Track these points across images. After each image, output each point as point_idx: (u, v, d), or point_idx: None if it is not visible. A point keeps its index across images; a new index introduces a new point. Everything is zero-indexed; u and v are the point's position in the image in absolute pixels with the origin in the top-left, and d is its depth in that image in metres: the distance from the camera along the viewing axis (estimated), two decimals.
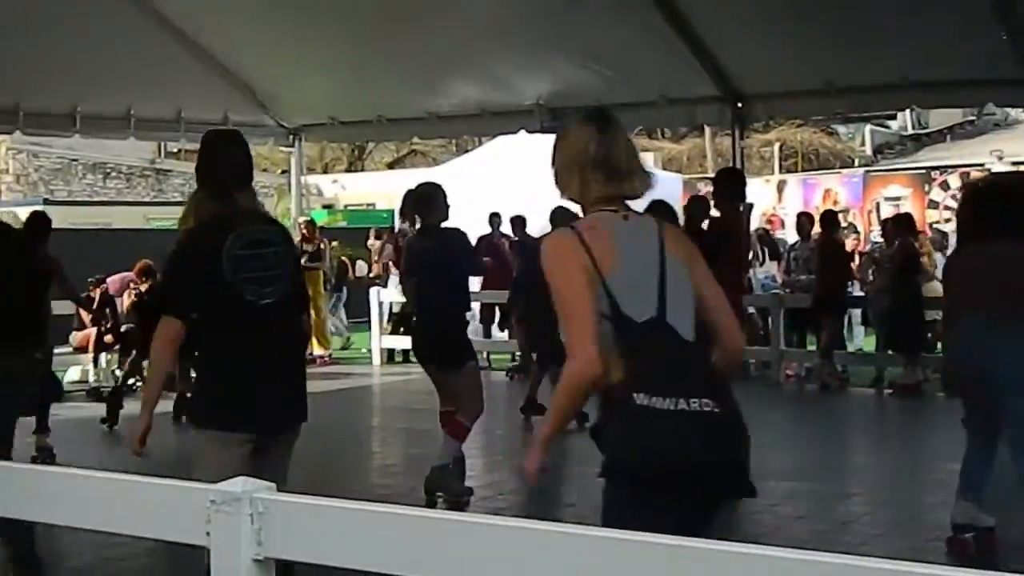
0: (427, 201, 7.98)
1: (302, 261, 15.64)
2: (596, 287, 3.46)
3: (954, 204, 22.96)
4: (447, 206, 8.04)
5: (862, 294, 14.93)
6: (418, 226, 8.13)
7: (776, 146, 33.39)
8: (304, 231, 17.16)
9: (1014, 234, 6.15)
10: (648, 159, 28.74)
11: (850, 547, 6.32)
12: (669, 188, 21.22)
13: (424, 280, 7.99)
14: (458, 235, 8.12)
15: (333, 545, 2.53)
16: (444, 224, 8.03)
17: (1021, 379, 6.03)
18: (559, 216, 8.79)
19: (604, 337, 3.42)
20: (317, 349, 16.74)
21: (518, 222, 16.11)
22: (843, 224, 18.01)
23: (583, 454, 8.31)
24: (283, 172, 25.22)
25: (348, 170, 37.99)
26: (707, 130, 32.39)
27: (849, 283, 14.54)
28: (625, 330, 3.44)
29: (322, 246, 17.68)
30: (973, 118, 34.70)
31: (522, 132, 15.71)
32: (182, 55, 14.12)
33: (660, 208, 8.79)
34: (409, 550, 2.42)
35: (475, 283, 14.95)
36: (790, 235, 17.59)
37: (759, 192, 23.30)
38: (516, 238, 16.15)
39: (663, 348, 3.46)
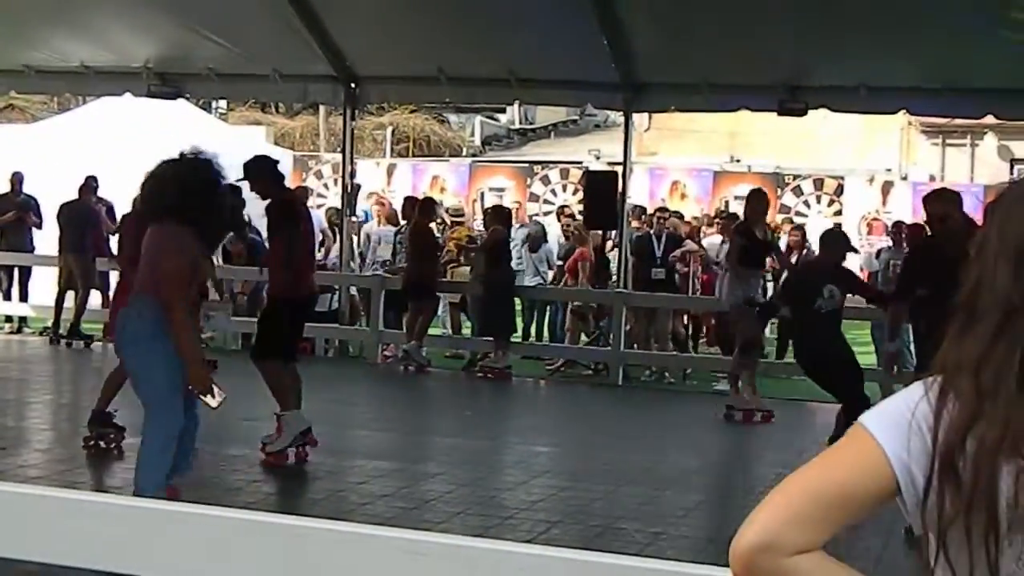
0: None
1: None
2: None
3: (553, 198, 24.09)
4: None
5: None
6: None
7: (389, 130, 33.73)
8: None
9: (164, 217, 6.21)
10: (260, 133, 28.39)
11: (430, 524, 6.49)
12: (280, 164, 21.07)
13: None
14: None
15: None
16: None
17: (146, 363, 6.12)
18: None
19: None
20: None
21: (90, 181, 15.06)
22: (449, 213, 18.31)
23: None
24: None
25: None
26: (321, 109, 32.35)
27: (439, 268, 14.83)
28: None
29: None
30: (576, 118, 36.33)
31: (127, 95, 15.11)
32: None
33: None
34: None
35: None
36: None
37: (370, 174, 23.50)
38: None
39: None
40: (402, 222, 15.84)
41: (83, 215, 14.49)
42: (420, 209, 14.35)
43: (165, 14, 13.16)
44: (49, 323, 15.62)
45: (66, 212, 14.50)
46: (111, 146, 16.49)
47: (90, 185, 14.64)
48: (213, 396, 6.02)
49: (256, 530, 2.17)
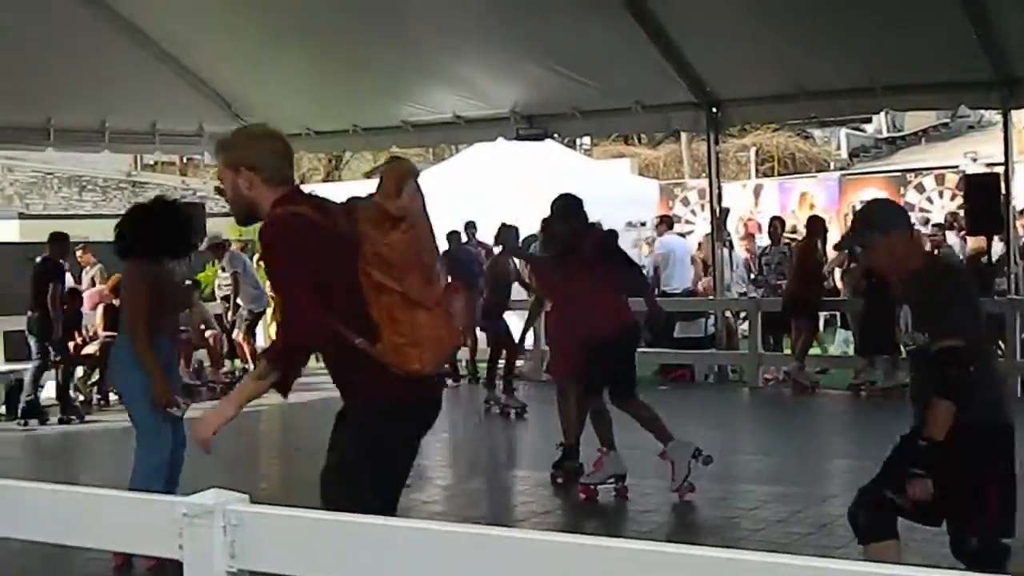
0: None
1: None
2: None
3: (929, 206, 23.12)
4: None
5: (843, 298, 14.96)
6: None
7: (752, 151, 33.44)
8: None
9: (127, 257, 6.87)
10: (625, 165, 28.78)
11: (828, 550, 6.32)
12: (646, 193, 21.30)
13: None
14: None
15: (306, 556, 2.51)
16: None
17: (129, 390, 6.74)
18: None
19: None
20: None
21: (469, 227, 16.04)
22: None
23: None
24: None
25: (325, 180, 37.89)
26: (683, 136, 32.45)
27: (823, 287, 14.54)
28: None
29: None
30: (947, 121, 34.80)
31: (499, 139, 15.71)
32: (156, 67, 14.10)
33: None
34: (382, 560, 2.41)
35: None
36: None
37: (736, 197, 23.33)
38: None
39: None
40: (766, 242, 15.69)
41: (467, 260, 15.17)
42: (808, 228, 14.32)
43: (527, 59, 13.60)
44: None
45: (451, 258, 15.23)
46: (486, 190, 17.15)
47: (468, 230, 15.42)
48: (177, 407, 6.55)
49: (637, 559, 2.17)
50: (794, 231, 18.19)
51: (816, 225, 14.44)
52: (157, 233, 6.76)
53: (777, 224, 15.46)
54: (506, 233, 12.93)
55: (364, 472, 4.14)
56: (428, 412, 4.37)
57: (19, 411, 12.80)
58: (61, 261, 12.90)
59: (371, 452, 4.20)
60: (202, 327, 15.22)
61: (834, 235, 21.58)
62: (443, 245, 15.23)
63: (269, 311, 15.81)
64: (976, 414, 4.59)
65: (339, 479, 4.14)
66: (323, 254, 4.09)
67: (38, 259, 12.84)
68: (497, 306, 13.03)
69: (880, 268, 5.15)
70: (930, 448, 4.58)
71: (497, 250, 13.72)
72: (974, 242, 15.04)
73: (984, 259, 14.32)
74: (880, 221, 4.87)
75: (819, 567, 2.04)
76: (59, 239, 12.94)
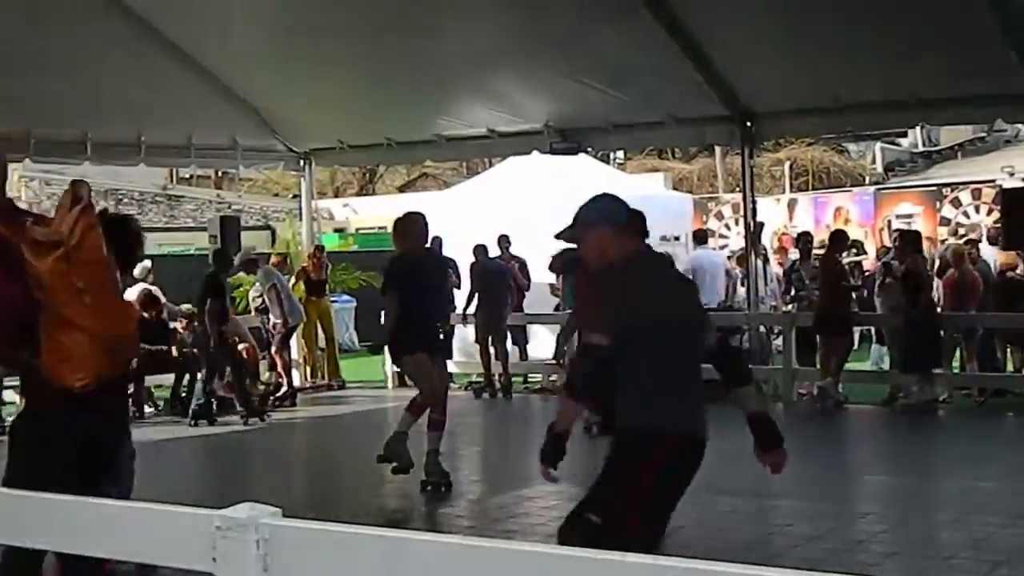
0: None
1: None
2: None
3: (966, 220, 22.95)
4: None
5: (879, 312, 14.82)
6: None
7: (786, 165, 33.31)
8: (312, 260, 17.03)
9: None
10: (658, 179, 28.72)
11: (864, 567, 6.27)
12: (680, 208, 21.20)
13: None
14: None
15: (339, 570, 2.51)
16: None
17: None
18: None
19: None
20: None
21: (502, 241, 16.10)
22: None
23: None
24: (294, 196, 25.33)
25: (359, 194, 38.04)
26: (717, 150, 32.38)
27: (852, 301, 14.36)
28: None
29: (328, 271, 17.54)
30: (984, 135, 34.55)
31: (534, 153, 15.71)
32: (191, 81, 14.18)
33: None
34: (414, 575, 2.40)
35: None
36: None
37: (770, 211, 23.24)
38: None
39: None
40: (791, 257, 15.62)
41: (494, 273, 15.25)
42: (831, 241, 14.20)
43: (561, 73, 13.59)
44: (473, 377, 16.39)
45: (478, 271, 15.30)
46: (520, 204, 17.15)
47: (501, 244, 15.46)
48: None
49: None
50: (822, 246, 18.13)
51: (838, 239, 14.33)
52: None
53: (805, 239, 15.38)
54: None
55: (41, 477, 4.26)
56: (97, 426, 4.63)
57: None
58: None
59: (36, 463, 4.53)
60: (235, 339, 15.25)
61: (871, 250, 21.60)
62: (470, 258, 15.35)
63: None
64: (630, 421, 4.67)
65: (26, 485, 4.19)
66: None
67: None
68: None
69: (588, 262, 5.17)
70: (547, 435, 4.76)
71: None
72: (1004, 256, 14.90)
73: (1010, 273, 14.24)
74: (586, 216, 5.00)
75: None
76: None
